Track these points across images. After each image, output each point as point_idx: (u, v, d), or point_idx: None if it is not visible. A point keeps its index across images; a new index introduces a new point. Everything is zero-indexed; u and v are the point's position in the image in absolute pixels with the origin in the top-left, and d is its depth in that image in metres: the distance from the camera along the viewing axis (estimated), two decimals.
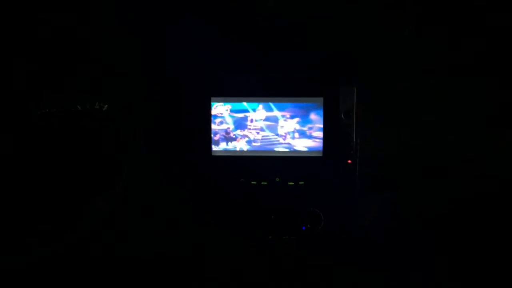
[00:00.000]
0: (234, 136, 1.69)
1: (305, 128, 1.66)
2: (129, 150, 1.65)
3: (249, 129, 1.69)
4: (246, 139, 1.70)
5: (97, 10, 1.62)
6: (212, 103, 1.67)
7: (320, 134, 1.66)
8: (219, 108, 1.67)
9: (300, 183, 1.68)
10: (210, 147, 1.68)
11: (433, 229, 1.68)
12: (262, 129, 1.69)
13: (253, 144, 1.69)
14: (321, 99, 1.64)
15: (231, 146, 1.69)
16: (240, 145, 1.69)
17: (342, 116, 1.64)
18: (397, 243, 1.68)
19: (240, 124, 1.68)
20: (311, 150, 1.66)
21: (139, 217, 1.70)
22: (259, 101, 1.65)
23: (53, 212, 1.46)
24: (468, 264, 1.65)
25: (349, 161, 1.66)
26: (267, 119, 1.67)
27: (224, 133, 1.68)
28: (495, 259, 1.64)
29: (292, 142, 1.68)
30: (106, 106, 1.69)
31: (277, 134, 1.69)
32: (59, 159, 1.53)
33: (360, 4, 1.62)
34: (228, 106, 1.66)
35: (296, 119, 1.66)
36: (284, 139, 1.69)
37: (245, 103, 1.67)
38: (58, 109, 1.57)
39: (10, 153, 1.49)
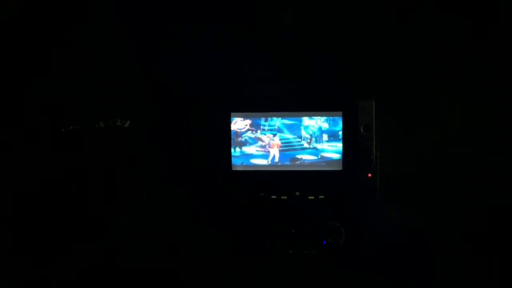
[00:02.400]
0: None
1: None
2: (150, 166, 1.68)
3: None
4: (259, 143, 1.67)
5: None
6: (232, 118, 1.67)
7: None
8: (239, 123, 1.67)
9: (320, 197, 1.68)
10: (230, 163, 1.68)
11: (455, 242, 1.66)
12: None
13: (268, 149, 1.66)
14: (340, 113, 1.64)
15: (238, 151, 1.67)
16: (250, 151, 1.66)
17: (362, 130, 1.64)
18: (418, 257, 1.66)
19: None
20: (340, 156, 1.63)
21: (160, 231, 1.70)
22: (278, 116, 1.65)
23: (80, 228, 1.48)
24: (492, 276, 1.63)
25: (369, 175, 1.65)
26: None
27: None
28: None
29: (320, 146, 1.65)
30: (128, 122, 1.72)
31: (300, 137, 1.66)
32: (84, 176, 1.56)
33: (379, 16, 1.63)
34: (248, 121, 1.67)
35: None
36: (309, 143, 1.66)
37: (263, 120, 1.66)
38: (83, 125, 1.60)
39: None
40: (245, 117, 1.67)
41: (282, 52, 1.69)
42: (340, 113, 1.64)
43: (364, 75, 1.70)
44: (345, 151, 1.64)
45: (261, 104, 1.67)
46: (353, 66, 1.70)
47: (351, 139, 1.64)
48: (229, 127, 1.67)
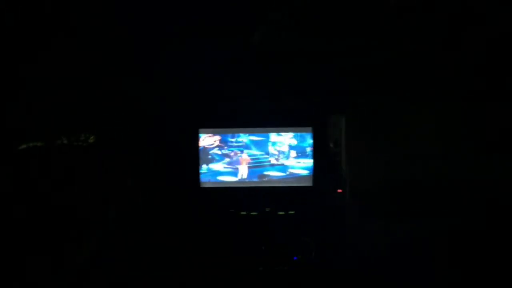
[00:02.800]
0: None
1: (305, 145, 1.63)
2: (117, 183, 1.63)
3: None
4: (227, 160, 1.65)
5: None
6: (200, 134, 1.64)
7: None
8: (207, 140, 1.64)
9: (290, 212, 1.66)
10: (199, 179, 1.65)
11: (427, 255, 1.66)
12: (246, 147, 1.64)
13: (236, 165, 1.64)
14: (310, 129, 1.62)
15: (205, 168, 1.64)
16: (217, 167, 1.64)
17: (331, 145, 1.64)
18: (391, 271, 1.66)
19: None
20: (311, 173, 1.63)
21: (130, 249, 1.66)
22: (247, 132, 1.63)
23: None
24: None
25: (339, 190, 1.64)
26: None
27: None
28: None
29: (288, 163, 1.64)
30: (92, 137, 1.67)
31: (268, 153, 1.65)
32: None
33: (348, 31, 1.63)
34: (217, 137, 1.64)
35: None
36: (277, 160, 1.65)
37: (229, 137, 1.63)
38: (44, 142, 1.55)
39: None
40: (214, 133, 1.64)
41: (252, 69, 1.68)
42: (310, 128, 1.62)
43: (335, 91, 1.69)
44: (316, 167, 1.64)
45: (230, 120, 1.65)
46: (323, 82, 1.69)
47: (321, 155, 1.64)
48: (197, 143, 1.64)
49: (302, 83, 1.68)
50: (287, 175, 1.64)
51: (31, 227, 1.52)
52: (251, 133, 1.63)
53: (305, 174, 1.63)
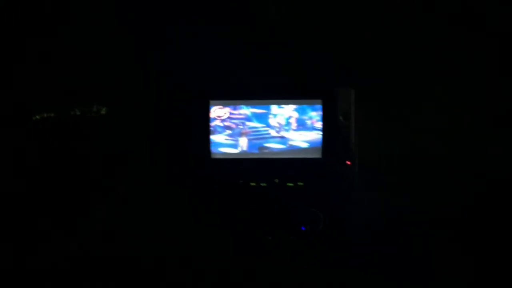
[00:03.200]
0: (212, 129, 1.67)
1: (305, 117, 1.65)
2: (129, 154, 1.67)
3: (231, 118, 1.67)
4: (228, 131, 1.67)
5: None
6: (210, 106, 1.66)
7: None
8: (218, 111, 1.66)
9: (299, 184, 1.69)
10: (209, 150, 1.67)
11: (432, 228, 1.69)
12: (248, 119, 1.66)
13: (237, 137, 1.66)
14: (319, 101, 1.63)
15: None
16: (218, 139, 1.66)
17: (341, 118, 1.65)
18: (395, 242, 1.69)
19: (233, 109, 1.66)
20: (313, 145, 1.65)
21: (140, 219, 1.71)
22: (256, 104, 1.66)
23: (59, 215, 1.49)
24: (467, 263, 1.66)
25: (348, 162, 1.66)
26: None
27: None
28: (494, 258, 1.66)
29: (288, 135, 1.66)
30: (104, 109, 1.70)
31: (269, 125, 1.67)
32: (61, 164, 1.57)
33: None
34: (228, 109, 1.65)
35: (293, 106, 1.63)
36: (278, 132, 1.67)
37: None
38: (57, 114, 1.59)
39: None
40: (224, 105, 1.65)
41: (262, 42, 1.70)
42: (320, 101, 1.63)
43: (344, 65, 1.71)
44: (325, 139, 1.65)
45: (239, 93, 1.67)
46: (333, 55, 1.72)
47: (330, 128, 1.65)
48: (208, 114, 1.66)
49: (313, 58, 1.70)
50: (287, 147, 1.66)
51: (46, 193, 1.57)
52: (258, 106, 1.65)
53: (305, 146, 1.65)
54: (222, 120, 1.67)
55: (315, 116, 1.64)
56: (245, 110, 1.65)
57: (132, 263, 1.69)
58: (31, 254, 1.51)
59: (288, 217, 1.70)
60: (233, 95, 1.68)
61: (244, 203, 1.70)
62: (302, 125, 1.64)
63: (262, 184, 1.70)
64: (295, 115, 1.64)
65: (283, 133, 1.66)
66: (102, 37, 1.69)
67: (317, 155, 1.66)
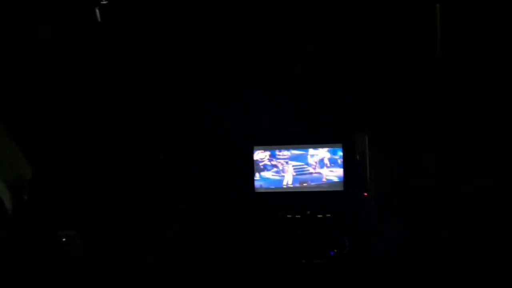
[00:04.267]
0: (262, 167, 2.04)
1: (336, 157, 2.00)
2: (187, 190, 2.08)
3: (278, 158, 2.03)
4: (275, 169, 2.04)
5: None
6: (254, 150, 2.06)
7: None
8: (259, 154, 2.07)
9: (327, 215, 2.03)
10: (253, 185, 2.06)
11: (442, 254, 1.96)
12: (291, 158, 2.00)
13: (282, 174, 2.01)
14: (340, 145, 2.01)
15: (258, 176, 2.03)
16: (268, 175, 2.02)
17: (357, 157, 2.02)
18: (409, 262, 1.96)
19: (273, 154, 2.02)
20: (341, 179, 1.98)
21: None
22: (290, 148, 2.03)
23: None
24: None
25: (365, 194, 2.02)
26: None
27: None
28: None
29: (322, 171, 2.00)
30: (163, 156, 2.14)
31: (307, 164, 2.03)
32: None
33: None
34: (268, 153, 2.06)
35: (326, 148, 1.99)
36: (314, 169, 2.02)
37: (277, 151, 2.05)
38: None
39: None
40: (265, 150, 2.05)
41: (292, 98, 2.13)
42: (340, 144, 2.01)
43: (359, 114, 2.11)
44: (345, 175, 2.00)
45: (276, 140, 2.06)
46: (351, 106, 2.11)
47: (349, 165, 2.00)
48: (252, 157, 2.06)
49: (332, 108, 2.12)
50: (323, 182, 2.01)
51: None
52: (293, 149, 2.02)
53: (337, 180, 2.00)
54: (270, 160, 2.03)
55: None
56: (288, 152, 2.03)
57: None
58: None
59: (319, 243, 1.99)
60: (270, 141, 2.05)
61: (282, 232, 2.02)
62: (333, 163, 2.00)
63: (296, 216, 2.03)
64: (328, 155, 2.00)
65: (318, 170, 2.01)
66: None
67: (340, 188, 2.02)
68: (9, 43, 1.87)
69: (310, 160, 2.02)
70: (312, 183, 2.02)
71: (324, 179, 2.01)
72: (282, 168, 2.03)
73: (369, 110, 2.11)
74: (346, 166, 2.00)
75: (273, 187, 2.04)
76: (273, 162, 2.04)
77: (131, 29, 2.07)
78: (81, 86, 1.99)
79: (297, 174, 2.02)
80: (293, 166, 2.02)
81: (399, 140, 2.08)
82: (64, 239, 1.79)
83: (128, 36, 2.06)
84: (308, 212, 2.03)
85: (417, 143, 2.07)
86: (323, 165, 2.01)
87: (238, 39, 2.14)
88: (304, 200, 2.03)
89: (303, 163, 2.02)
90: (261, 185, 2.04)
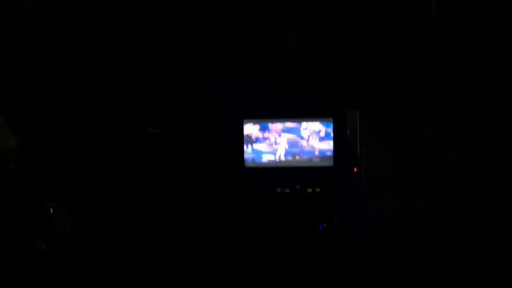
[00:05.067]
0: (255, 139, 2.03)
1: (329, 130, 2.00)
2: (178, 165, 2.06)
3: (270, 131, 2.02)
4: (268, 141, 2.03)
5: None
6: (244, 123, 2.05)
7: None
8: (250, 127, 2.05)
9: (316, 190, 2.04)
10: (243, 160, 2.05)
11: (428, 229, 1.99)
12: (284, 131, 2.01)
13: (274, 147, 2.02)
14: (331, 119, 2.02)
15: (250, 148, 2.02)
16: (261, 148, 2.02)
17: (348, 132, 2.03)
18: (393, 238, 1.98)
19: (263, 127, 2.03)
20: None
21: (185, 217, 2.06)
22: (281, 121, 2.03)
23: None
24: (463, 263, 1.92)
25: (355, 169, 2.03)
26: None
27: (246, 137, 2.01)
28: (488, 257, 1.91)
29: (316, 144, 2.01)
30: (158, 130, 2.11)
31: (300, 137, 2.02)
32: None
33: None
34: (258, 126, 2.05)
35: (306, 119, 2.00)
36: (307, 141, 2.02)
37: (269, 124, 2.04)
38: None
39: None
40: (255, 123, 2.05)
41: (285, 71, 2.12)
42: (331, 119, 2.02)
43: (351, 88, 2.11)
44: (336, 150, 2.01)
45: (267, 114, 2.06)
46: (342, 81, 2.11)
47: (339, 141, 2.02)
48: (242, 131, 2.05)
49: (324, 83, 2.12)
50: (315, 155, 2.02)
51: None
52: (285, 122, 2.03)
53: (330, 154, 2.01)
54: (262, 132, 2.03)
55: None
56: (281, 125, 2.03)
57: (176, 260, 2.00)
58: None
59: (308, 217, 2.02)
60: (260, 115, 2.06)
61: (272, 206, 2.04)
62: (327, 136, 2.02)
63: (286, 190, 2.05)
64: (322, 128, 2.02)
65: (312, 143, 2.02)
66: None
67: (330, 163, 2.03)
68: None
69: (303, 133, 2.02)
70: (305, 156, 2.02)
71: (316, 152, 2.02)
72: (274, 141, 2.02)
73: (361, 85, 2.11)
74: (336, 141, 2.01)
75: (265, 161, 2.04)
76: (266, 135, 2.03)
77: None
78: (72, 57, 1.94)
79: (290, 147, 2.02)
80: (286, 138, 2.02)
81: (391, 116, 2.10)
82: (52, 211, 1.76)
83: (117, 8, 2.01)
84: (298, 187, 2.02)
85: (410, 120, 2.09)
86: (318, 138, 2.01)
87: (225, 14, 2.13)
88: (293, 175, 2.03)
89: (296, 135, 2.02)
90: (252, 158, 2.03)
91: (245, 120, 2.05)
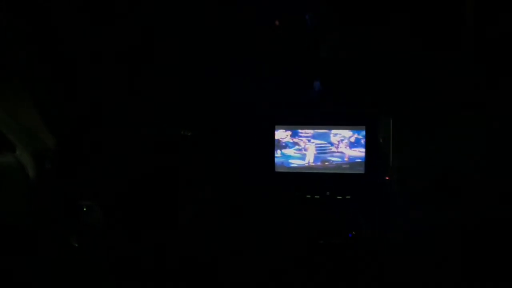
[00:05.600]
0: (284, 144, 2.04)
1: (360, 137, 1.99)
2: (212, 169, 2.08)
3: (300, 136, 2.04)
4: (297, 147, 2.04)
5: None
6: (276, 130, 2.06)
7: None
8: (281, 134, 2.06)
9: (346, 197, 2.03)
10: (274, 165, 2.06)
11: (461, 241, 1.94)
12: (313, 137, 2.02)
13: (304, 152, 2.02)
14: (363, 127, 2.01)
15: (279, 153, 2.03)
16: (290, 153, 2.03)
17: (381, 140, 2.01)
18: (423, 249, 1.96)
19: (294, 133, 2.03)
20: (363, 160, 1.99)
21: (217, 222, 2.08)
22: (313, 129, 2.03)
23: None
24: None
25: (387, 178, 2.01)
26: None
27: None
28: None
29: (345, 151, 2.01)
30: (190, 133, 2.14)
31: (330, 143, 2.03)
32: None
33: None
34: (289, 132, 2.05)
35: (339, 127, 2.00)
36: (336, 148, 2.02)
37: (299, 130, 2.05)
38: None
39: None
40: (286, 129, 2.05)
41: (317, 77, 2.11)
42: (364, 127, 2.01)
43: (384, 96, 2.09)
44: (367, 158, 2.00)
45: (300, 120, 2.07)
46: (377, 88, 2.10)
47: (372, 149, 2.00)
48: (274, 136, 2.06)
49: (357, 89, 2.10)
50: (345, 161, 2.01)
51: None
52: (317, 129, 2.03)
53: (359, 160, 2.00)
54: (292, 137, 2.04)
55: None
56: (311, 130, 2.04)
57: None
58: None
59: (338, 224, 2.00)
60: (293, 121, 2.06)
61: (301, 212, 2.03)
62: (357, 143, 2.01)
63: (316, 197, 2.05)
64: (351, 134, 2.01)
65: (341, 149, 2.02)
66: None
67: (361, 170, 2.01)
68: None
69: (333, 139, 2.02)
70: (334, 162, 2.01)
71: (346, 159, 2.01)
72: (304, 146, 2.03)
73: (395, 93, 2.09)
74: (368, 149, 2.01)
75: (295, 165, 2.04)
76: (295, 140, 2.04)
77: None
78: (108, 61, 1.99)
79: (318, 153, 2.02)
80: (315, 144, 2.02)
81: (425, 125, 2.07)
82: (85, 209, 1.80)
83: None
84: (328, 193, 2.01)
85: (444, 129, 2.05)
86: (349, 145, 2.01)
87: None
88: (324, 181, 2.03)
89: (325, 142, 2.02)
90: (282, 163, 2.03)
91: (276, 126, 2.05)
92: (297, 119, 2.06)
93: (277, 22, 2.07)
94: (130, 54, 1.98)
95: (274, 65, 2.15)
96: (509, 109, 1.99)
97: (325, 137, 2.03)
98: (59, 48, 1.83)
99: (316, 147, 2.02)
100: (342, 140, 2.01)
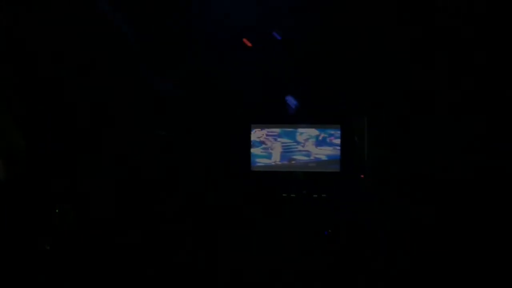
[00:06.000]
0: (251, 143, 2.03)
1: (325, 135, 1.99)
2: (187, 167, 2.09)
3: (267, 136, 2.03)
4: (263, 146, 2.03)
5: None
6: (252, 129, 2.07)
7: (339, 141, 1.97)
8: (257, 133, 2.07)
9: (322, 195, 2.02)
10: (250, 164, 2.06)
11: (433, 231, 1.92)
12: (279, 135, 2.02)
13: (270, 151, 2.02)
14: (338, 126, 2.00)
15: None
16: (255, 151, 2.03)
17: (356, 139, 1.99)
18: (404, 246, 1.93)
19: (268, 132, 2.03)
20: (330, 158, 1.99)
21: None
22: (289, 127, 2.03)
23: None
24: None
25: (362, 176, 1.99)
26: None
27: None
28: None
29: (311, 149, 2.01)
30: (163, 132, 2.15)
31: (296, 141, 2.03)
32: None
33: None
34: (265, 131, 2.05)
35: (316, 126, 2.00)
36: (303, 146, 2.02)
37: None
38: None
39: None
40: (262, 128, 2.05)
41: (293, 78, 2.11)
42: (338, 126, 2.00)
43: (359, 96, 2.06)
44: (343, 156, 2.00)
45: (276, 119, 2.07)
46: (351, 87, 2.07)
47: (347, 147, 1.99)
48: (249, 135, 2.06)
49: (332, 92, 2.08)
50: (311, 159, 2.01)
51: None
52: (292, 128, 2.03)
53: (325, 159, 2.00)
54: (259, 137, 2.05)
55: (332, 134, 2.00)
56: (277, 129, 2.04)
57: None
58: None
59: (313, 222, 2.00)
60: (269, 120, 2.06)
61: (277, 210, 2.04)
62: (323, 142, 2.00)
63: (292, 195, 2.05)
64: (317, 133, 2.01)
65: (307, 148, 2.02)
66: None
67: (336, 168, 2.00)
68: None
69: (299, 137, 2.01)
70: (301, 161, 2.02)
71: (312, 157, 2.00)
72: (270, 145, 2.03)
73: (369, 92, 2.05)
74: (343, 147, 2.00)
75: (261, 164, 2.05)
76: (261, 139, 2.04)
77: None
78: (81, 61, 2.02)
79: (284, 151, 2.02)
80: (281, 143, 2.02)
81: (399, 124, 2.04)
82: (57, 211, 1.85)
83: None
84: (304, 192, 2.01)
85: (418, 127, 2.02)
86: (315, 143, 2.01)
87: None
88: (299, 180, 2.03)
89: (291, 140, 2.02)
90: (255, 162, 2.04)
91: (252, 125, 2.06)
92: (273, 118, 2.07)
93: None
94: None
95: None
96: (482, 109, 1.95)
97: (292, 135, 2.02)
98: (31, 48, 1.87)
99: (282, 145, 2.02)
100: (308, 139, 1.99)
